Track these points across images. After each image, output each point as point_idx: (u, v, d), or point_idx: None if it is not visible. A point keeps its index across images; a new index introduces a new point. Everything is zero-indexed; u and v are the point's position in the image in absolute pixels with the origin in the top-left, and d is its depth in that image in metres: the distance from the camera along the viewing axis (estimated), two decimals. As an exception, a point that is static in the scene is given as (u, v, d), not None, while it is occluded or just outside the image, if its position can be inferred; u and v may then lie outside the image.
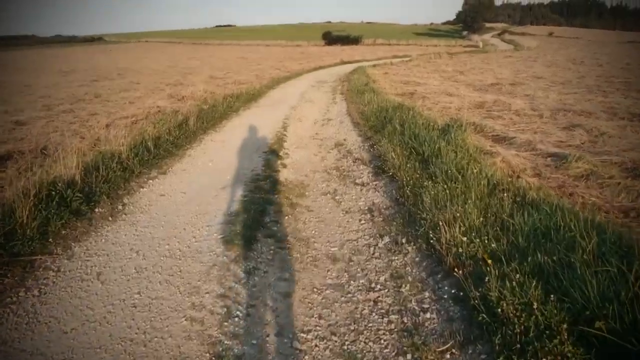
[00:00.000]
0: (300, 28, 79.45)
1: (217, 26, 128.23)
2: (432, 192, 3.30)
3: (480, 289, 2.11)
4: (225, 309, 2.25)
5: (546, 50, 29.85)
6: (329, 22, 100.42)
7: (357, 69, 17.65)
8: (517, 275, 2.07)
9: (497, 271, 2.14)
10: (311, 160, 5.15)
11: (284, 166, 4.86)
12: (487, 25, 59.82)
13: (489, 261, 2.26)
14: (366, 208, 3.62)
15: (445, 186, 3.34)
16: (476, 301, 2.05)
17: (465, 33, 54.78)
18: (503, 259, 2.29)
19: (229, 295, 2.37)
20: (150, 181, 4.17)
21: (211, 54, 34.82)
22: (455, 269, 2.37)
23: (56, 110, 8.64)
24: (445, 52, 29.09)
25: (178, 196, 3.85)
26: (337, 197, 3.90)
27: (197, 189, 4.03)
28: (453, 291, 2.33)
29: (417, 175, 3.92)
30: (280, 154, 5.36)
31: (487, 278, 2.11)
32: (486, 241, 2.50)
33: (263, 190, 3.96)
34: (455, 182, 3.46)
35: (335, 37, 46.27)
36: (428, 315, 2.20)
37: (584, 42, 42.53)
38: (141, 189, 3.94)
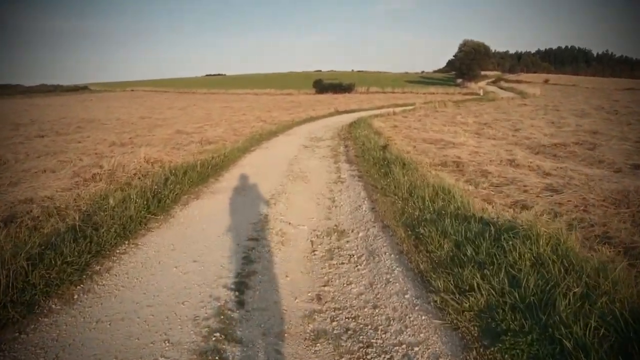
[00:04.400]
0: (291, 76, 79.05)
1: (207, 75, 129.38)
2: None
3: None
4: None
5: (555, 98, 27.77)
6: (319, 70, 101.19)
7: (357, 120, 14.29)
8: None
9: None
10: None
11: None
12: (482, 73, 58.75)
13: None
14: None
15: None
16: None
17: (459, 81, 51.95)
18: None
19: None
20: None
21: (195, 103, 32.04)
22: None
23: None
24: (448, 100, 26.82)
25: None
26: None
27: None
28: None
29: None
30: None
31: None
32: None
33: None
34: None
35: (327, 85, 43.93)
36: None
37: (584, 90, 41.10)
38: None
